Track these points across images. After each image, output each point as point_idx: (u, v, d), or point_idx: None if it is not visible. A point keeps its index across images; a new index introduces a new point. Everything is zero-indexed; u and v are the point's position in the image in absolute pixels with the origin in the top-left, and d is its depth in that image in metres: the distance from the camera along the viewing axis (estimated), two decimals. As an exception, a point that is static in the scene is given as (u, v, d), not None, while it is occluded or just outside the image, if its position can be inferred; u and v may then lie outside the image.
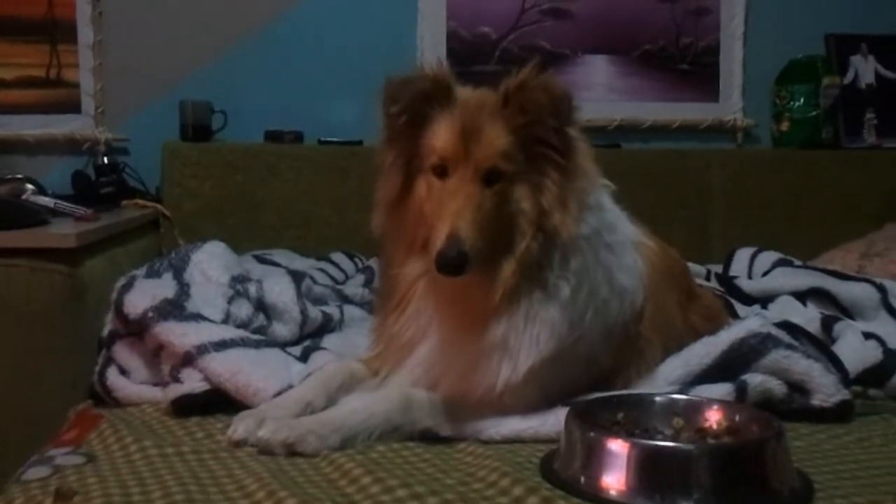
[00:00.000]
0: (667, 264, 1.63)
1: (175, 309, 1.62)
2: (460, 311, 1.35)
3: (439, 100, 1.34)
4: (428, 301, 1.37)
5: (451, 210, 1.25)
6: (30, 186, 2.37)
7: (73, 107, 2.76)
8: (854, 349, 1.71)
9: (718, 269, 2.46)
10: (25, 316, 1.73)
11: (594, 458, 1.12)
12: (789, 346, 1.50)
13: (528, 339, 1.32)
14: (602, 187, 1.44)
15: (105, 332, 1.70)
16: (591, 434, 1.14)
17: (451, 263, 1.22)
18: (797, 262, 2.39)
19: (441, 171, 1.32)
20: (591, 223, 1.36)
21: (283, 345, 1.75)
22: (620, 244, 1.46)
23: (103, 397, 1.61)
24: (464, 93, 1.37)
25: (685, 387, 1.45)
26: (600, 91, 2.99)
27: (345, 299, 2.14)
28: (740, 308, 2.04)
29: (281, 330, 1.81)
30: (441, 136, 1.31)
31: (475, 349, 1.33)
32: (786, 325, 1.64)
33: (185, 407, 1.46)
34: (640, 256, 1.51)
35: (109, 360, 1.65)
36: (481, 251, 1.25)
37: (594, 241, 1.38)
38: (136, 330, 1.62)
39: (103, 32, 2.75)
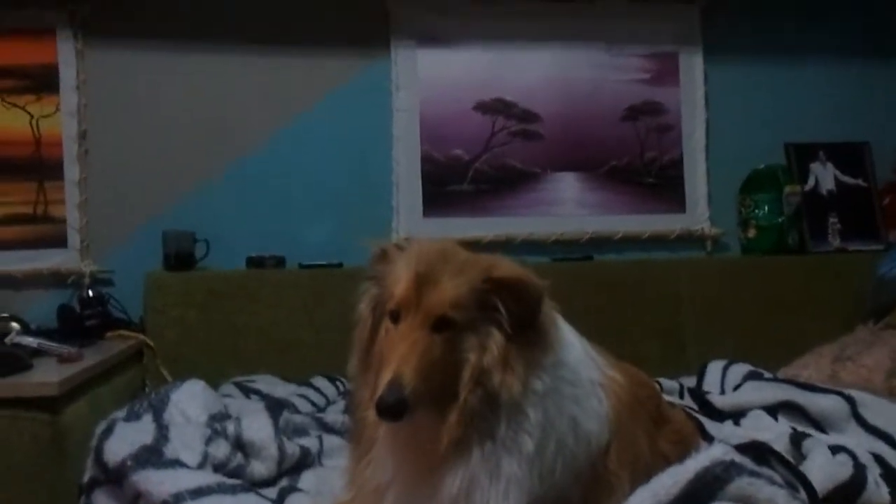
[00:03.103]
0: (633, 393, 1.65)
1: (153, 455, 1.64)
2: (416, 458, 1.36)
3: (389, 256, 1.42)
4: (388, 446, 1.39)
5: (396, 355, 1.28)
6: (15, 325, 2.41)
7: (60, 241, 2.83)
8: (822, 467, 1.73)
9: (692, 381, 2.50)
10: (6, 464, 1.75)
11: None
12: (753, 473, 1.52)
13: (494, 496, 1.32)
14: (563, 348, 1.45)
15: (85, 478, 1.71)
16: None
17: (389, 409, 1.24)
18: (767, 375, 2.42)
19: (396, 317, 1.35)
20: (546, 382, 1.37)
21: (261, 484, 1.77)
22: (584, 393, 1.47)
23: (83, 546, 1.62)
24: (422, 244, 1.43)
25: (655, 519, 1.47)
26: (571, 206, 3.08)
27: (325, 427, 2.17)
28: (713, 425, 2.07)
29: (259, 468, 1.83)
30: (399, 282, 1.36)
31: (438, 502, 1.35)
32: (752, 448, 1.67)
33: (162, 559, 1.47)
34: (606, 393, 1.53)
35: (89, 508, 1.67)
36: (424, 397, 1.26)
37: (555, 396, 1.39)
38: (115, 477, 1.63)
39: (88, 169, 2.84)
